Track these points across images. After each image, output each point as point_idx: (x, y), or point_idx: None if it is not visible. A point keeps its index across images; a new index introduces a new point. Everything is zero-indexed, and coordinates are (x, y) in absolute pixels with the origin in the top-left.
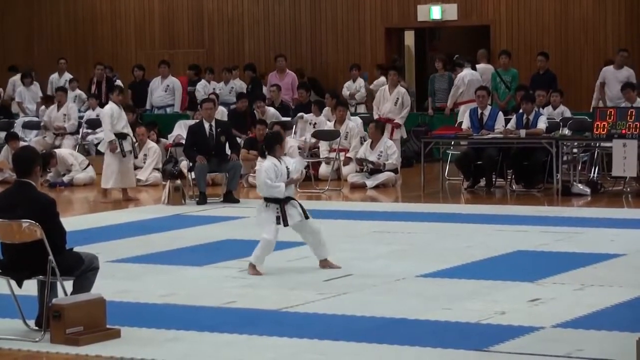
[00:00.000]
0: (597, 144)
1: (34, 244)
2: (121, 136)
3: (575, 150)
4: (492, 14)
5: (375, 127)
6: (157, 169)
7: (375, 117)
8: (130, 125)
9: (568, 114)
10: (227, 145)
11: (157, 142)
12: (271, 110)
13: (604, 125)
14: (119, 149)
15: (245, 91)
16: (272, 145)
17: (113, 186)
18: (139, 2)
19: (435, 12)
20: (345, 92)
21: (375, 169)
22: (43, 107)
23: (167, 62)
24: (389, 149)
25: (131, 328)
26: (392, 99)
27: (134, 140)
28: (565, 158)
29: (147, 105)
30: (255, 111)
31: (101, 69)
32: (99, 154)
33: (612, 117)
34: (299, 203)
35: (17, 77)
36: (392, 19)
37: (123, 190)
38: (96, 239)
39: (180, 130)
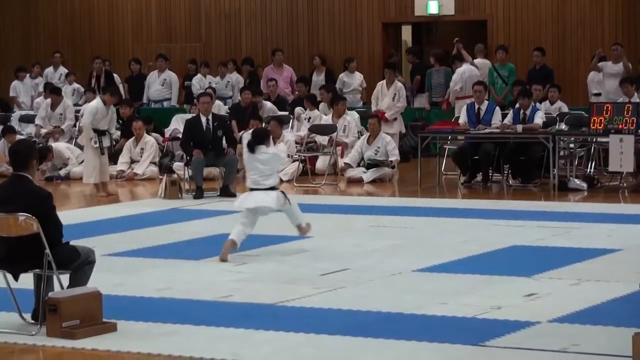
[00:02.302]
0: (594, 139)
1: (31, 237)
2: (101, 132)
3: (572, 145)
4: (489, 8)
5: (377, 121)
6: (154, 163)
7: (373, 108)
8: (127, 119)
9: (565, 109)
10: (224, 139)
11: None
12: (268, 104)
13: (600, 120)
14: (97, 145)
15: (239, 85)
16: (261, 140)
17: (95, 181)
18: None
19: (433, 7)
20: (340, 84)
21: (372, 163)
22: (40, 98)
23: (164, 56)
24: (388, 145)
25: (127, 322)
26: (390, 94)
27: (115, 135)
28: (562, 153)
29: (144, 99)
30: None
31: (99, 63)
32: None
33: (608, 112)
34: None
35: None
36: (389, 13)
37: (102, 185)
38: (92, 233)
39: (177, 124)
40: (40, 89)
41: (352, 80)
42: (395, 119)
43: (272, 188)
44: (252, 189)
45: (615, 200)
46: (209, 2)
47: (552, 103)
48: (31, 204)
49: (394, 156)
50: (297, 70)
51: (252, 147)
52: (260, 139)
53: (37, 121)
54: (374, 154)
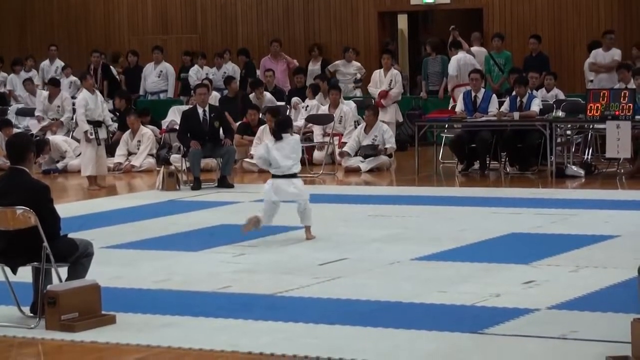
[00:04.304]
0: (591, 126)
1: (29, 230)
2: (97, 124)
3: (569, 132)
4: None
5: (372, 113)
6: (151, 155)
7: (375, 91)
8: (123, 111)
9: (562, 96)
10: (220, 130)
11: None
12: (267, 95)
13: (597, 107)
14: (94, 137)
15: (235, 75)
16: (286, 127)
17: (91, 174)
18: None
19: None
20: (334, 69)
21: (369, 153)
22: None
23: (160, 48)
24: (385, 133)
25: (126, 314)
26: (386, 82)
27: (112, 127)
28: (559, 140)
29: (140, 91)
30: (257, 97)
31: (97, 57)
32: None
33: (605, 98)
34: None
35: None
36: (385, 2)
37: (98, 178)
38: (91, 225)
39: (174, 115)
40: (37, 81)
41: (348, 70)
42: (391, 105)
43: (295, 175)
44: (275, 176)
45: (613, 187)
46: None
47: (548, 90)
48: (29, 197)
49: (390, 144)
50: (293, 59)
51: (277, 135)
52: (284, 127)
53: (37, 113)
54: (372, 142)
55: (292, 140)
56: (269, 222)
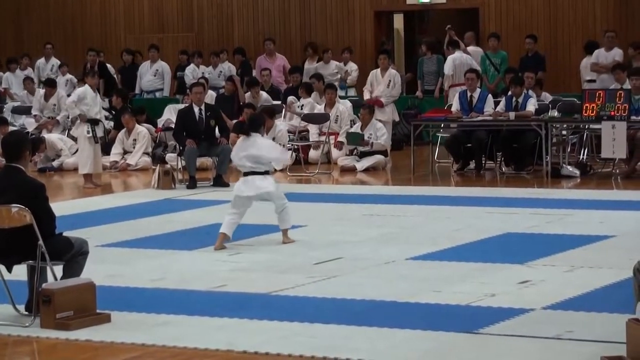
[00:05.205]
0: (586, 126)
1: (24, 229)
2: (94, 122)
3: (564, 132)
4: None
5: (368, 112)
6: (147, 154)
7: (367, 97)
8: (119, 110)
9: (549, 97)
10: (216, 129)
11: None
12: (264, 95)
13: (592, 107)
14: (91, 135)
15: (232, 74)
16: (257, 126)
17: (89, 171)
18: None
19: None
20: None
21: (365, 152)
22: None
23: (156, 47)
24: (379, 131)
25: (121, 312)
26: (384, 82)
27: (106, 126)
28: (554, 140)
29: (136, 90)
30: (253, 96)
31: (93, 55)
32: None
33: (601, 98)
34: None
35: None
36: (381, 1)
37: (92, 176)
38: (86, 224)
39: (170, 114)
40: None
41: (327, 71)
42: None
43: (267, 172)
44: (246, 174)
45: (608, 187)
46: None
47: (538, 96)
48: (24, 195)
49: (381, 140)
50: (290, 58)
51: (247, 133)
52: (256, 124)
53: (34, 112)
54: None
55: (262, 145)
56: (239, 221)
